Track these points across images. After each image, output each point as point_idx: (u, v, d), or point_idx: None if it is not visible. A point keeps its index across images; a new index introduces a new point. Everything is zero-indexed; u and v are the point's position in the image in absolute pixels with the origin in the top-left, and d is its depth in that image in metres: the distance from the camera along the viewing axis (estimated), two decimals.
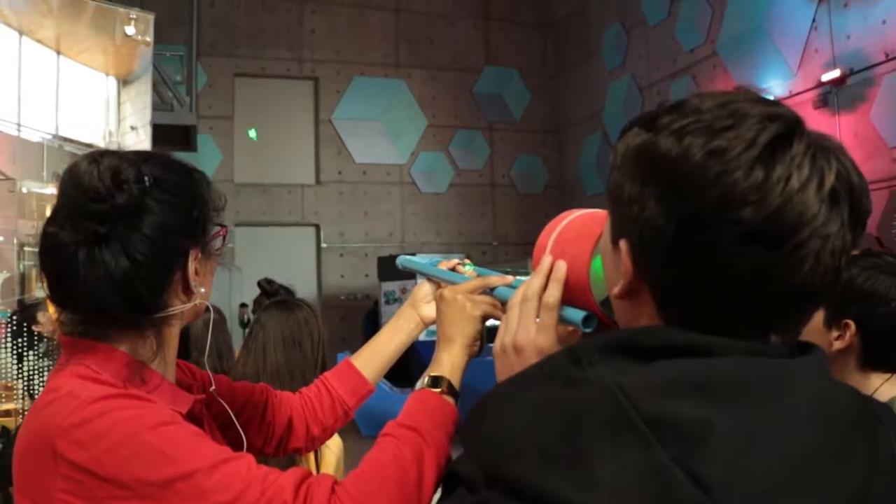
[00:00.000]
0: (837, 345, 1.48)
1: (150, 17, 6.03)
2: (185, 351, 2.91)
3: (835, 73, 8.13)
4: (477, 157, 13.66)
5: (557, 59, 14.13)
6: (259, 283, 3.41)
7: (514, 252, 13.42)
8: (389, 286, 11.34)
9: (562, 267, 0.93)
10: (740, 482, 0.58)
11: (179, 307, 1.04)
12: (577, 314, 0.93)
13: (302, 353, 2.09)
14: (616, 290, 0.73)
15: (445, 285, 1.23)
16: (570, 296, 0.93)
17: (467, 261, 1.34)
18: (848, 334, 1.47)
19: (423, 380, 1.10)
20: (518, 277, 1.12)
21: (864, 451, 0.67)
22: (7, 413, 4.17)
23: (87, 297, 0.97)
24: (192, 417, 1.06)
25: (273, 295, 3.31)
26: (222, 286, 8.41)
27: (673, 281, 0.68)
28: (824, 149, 0.64)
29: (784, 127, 0.64)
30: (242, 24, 12.54)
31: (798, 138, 0.64)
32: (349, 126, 12.96)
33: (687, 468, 0.58)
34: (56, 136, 6.28)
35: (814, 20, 8.49)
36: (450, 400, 1.09)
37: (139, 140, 6.29)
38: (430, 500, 0.98)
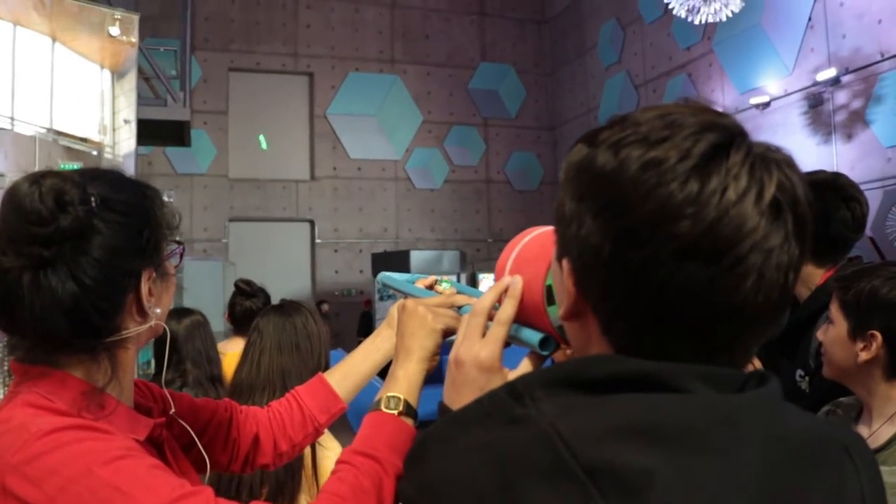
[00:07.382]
0: (863, 356, 1.49)
1: (135, 18, 5.96)
2: (162, 356, 2.83)
3: (830, 73, 8.13)
4: (472, 154, 13.64)
5: (553, 55, 14.11)
6: (236, 284, 3.37)
7: None
8: None
9: (517, 283, 0.89)
10: None
11: (134, 329, 1.01)
12: (534, 336, 0.89)
13: (301, 356, 2.06)
14: (561, 311, 0.71)
15: None
16: (527, 317, 0.90)
17: (444, 278, 1.28)
18: (874, 345, 1.48)
19: (378, 399, 1.04)
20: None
21: (824, 492, 0.64)
22: None
23: (35, 323, 0.93)
24: (151, 442, 1.04)
25: (252, 296, 3.28)
26: (215, 282, 8.38)
27: (613, 301, 0.64)
28: (766, 160, 0.61)
29: (722, 137, 0.61)
30: (237, 19, 12.50)
31: (736, 148, 0.61)
32: (344, 122, 12.93)
33: None
34: (50, 130, 6.23)
35: (810, 19, 8.49)
36: (407, 421, 1.03)
37: (131, 134, 6.24)
38: None
